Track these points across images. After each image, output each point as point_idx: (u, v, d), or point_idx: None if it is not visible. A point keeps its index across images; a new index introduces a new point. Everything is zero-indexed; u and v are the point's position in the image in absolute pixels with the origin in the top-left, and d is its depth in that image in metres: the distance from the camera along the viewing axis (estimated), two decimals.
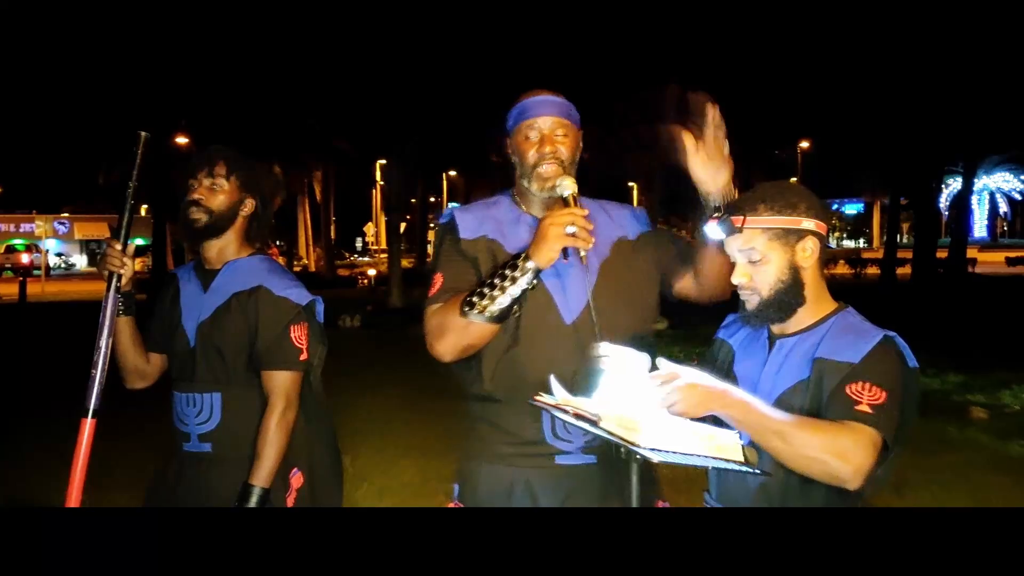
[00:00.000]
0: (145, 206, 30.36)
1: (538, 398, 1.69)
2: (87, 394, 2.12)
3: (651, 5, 20.68)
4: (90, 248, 51.21)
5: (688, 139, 1.85)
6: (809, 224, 1.73)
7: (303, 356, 2.28)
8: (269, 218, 2.44)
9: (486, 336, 1.97)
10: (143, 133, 2.23)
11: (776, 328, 1.79)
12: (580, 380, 1.90)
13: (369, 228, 54.60)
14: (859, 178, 48.03)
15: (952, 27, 20.10)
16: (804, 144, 39.85)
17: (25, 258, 40.32)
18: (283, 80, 19.96)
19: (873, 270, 29.78)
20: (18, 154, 31.32)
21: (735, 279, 1.77)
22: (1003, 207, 61.62)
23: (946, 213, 45.79)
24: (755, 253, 1.73)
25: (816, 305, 1.77)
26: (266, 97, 20.74)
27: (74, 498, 2.07)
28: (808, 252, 1.74)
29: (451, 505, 2.11)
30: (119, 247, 2.22)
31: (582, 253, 1.91)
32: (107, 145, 23.53)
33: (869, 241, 61.68)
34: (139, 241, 30.54)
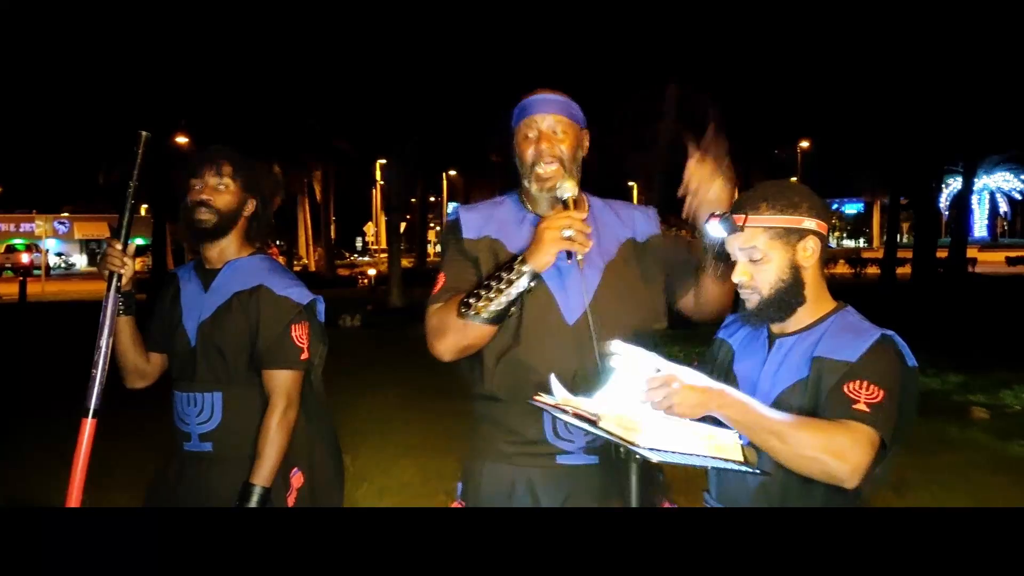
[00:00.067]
0: (145, 206, 30.35)
1: (538, 398, 1.69)
2: (87, 394, 2.12)
3: (651, 5, 20.67)
4: (90, 248, 51.21)
5: (691, 145, 1.87)
6: (810, 224, 1.73)
7: (304, 355, 2.29)
8: (269, 218, 2.44)
9: (484, 337, 1.97)
10: (144, 133, 2.23)
11: (776, 327, 1.79)
12: (581, 380, 1.90)
13: (369, 228, 54.61)
14: (859, 178, 48.03)
15: (952, 27, 20.09)
16: (804, 144, 39.85)
17: (25, 258, 40.30)
18: (283, 80, 19.96)
19: (873, 270, 29.78)
20: (18, 154, 31.31)
21: (735, 277, 1.77)
22: (1003, 207, 61.62)
23: (946, 213, 45.78)
24: (756, 252, 1.73)
25: (816, 304, 1.77)
26: (266, 97, 20.73)
27: (74, 498, 2.07)
28: (809, 252, 1.74)
29: (454, 503, 2.12)
30: (119, 247, 2.22)
31: (579, 257, 1.91)
32: (107, 145, 23.52)
33: (869, 241, 61.69)
34: (139, 241, 30.53)
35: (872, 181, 46.84)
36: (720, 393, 1.60)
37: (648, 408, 1.58)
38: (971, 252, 31.41)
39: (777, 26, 21.39)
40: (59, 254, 50.94)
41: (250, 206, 2.37)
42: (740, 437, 1.57)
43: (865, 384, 1.62)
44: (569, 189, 1.98)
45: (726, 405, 1.59)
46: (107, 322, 2.16)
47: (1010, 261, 35.65)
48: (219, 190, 2.31)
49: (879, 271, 27.80)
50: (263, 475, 2.19)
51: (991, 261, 35.94)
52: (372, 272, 26.80)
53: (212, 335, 2.27)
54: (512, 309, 1.95)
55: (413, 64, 17.33)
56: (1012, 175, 57.83)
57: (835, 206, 60.52)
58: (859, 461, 1.56)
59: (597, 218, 2.11)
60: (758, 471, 1.57)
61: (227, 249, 2.35)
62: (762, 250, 1.73)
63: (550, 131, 2.04)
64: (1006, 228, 66.17)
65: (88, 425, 2.11)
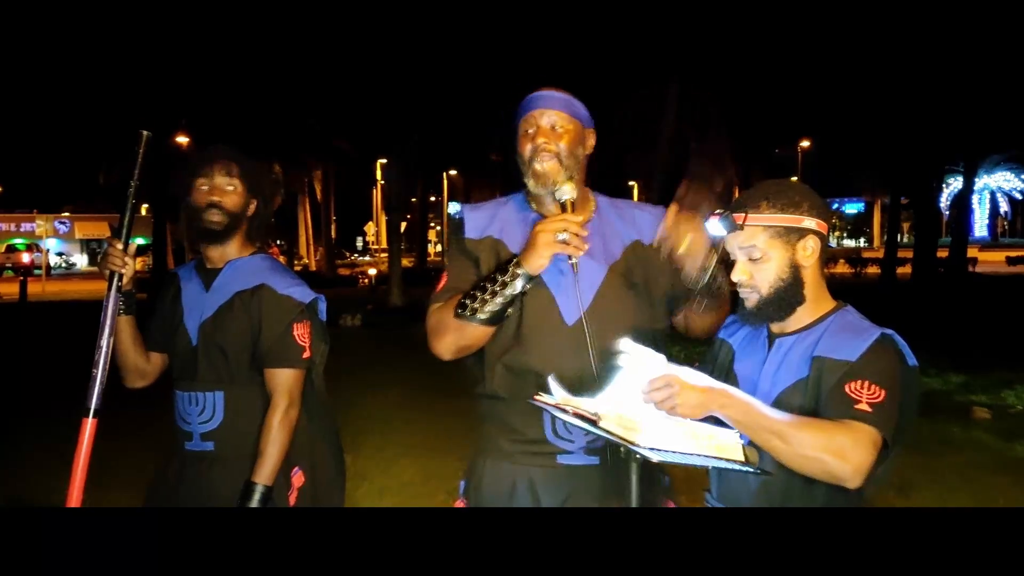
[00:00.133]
0: (146, 205, 30.36)
1: (538, 398, 1.69)
2: (88, 394, 2.12)
3: (652, 5, 20.67)
4: (91, 248, 51.21)
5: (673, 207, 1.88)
6: (810, 223, 1.73)
7: (306, 354, 2.29)
8: (268, 218, 2.44)
9: (481, 337, 1.98)
10: (145, 132, 2.23)
11: (775, 327, 1.79)
12: (581, 381, 1.90)
13: (370, 227, 54.64)
14: (859, 177, 48.03)
15: (952, 26, 20.09)
16: (804, 143, 39.83)
17: (26, 257, 40.28)
18: (283, 80, 19.96)
19: (873, 269, 29.78)
20: (18, 154, 31.33)
21: (735, 276, 1.77)
22: (1004, 206, 61.58)
23: (947, 212, 45.74)
24: (756, 251, 1.73)
25: (815, 304, 1.76)
26: (266, 97, 20.74)
27: (74, 498, 2.07)
28: (809, 251, 1.73)
29: (457, 502, 2.13)
30: (120, 246, 2.22)
31: (572, 260, 1.91)
32: (108, 145, 23.54)
33: (869, 240, 61.66)
34: (140, 240, 30.53)
35: (872, 181, 46.83)
36: (722, 393, 1.59)
37: (649, 408, 1.58)
38: (971, 252, 31.40)
39: (777, 26, 21.38)
40: (60, 254, 50.94)
41: (252, 206, 2.38)
42: (741, 437, 1.57)
43: (866, 384, 1.62)
44: (567, 192, 1.96)
45: (728, 405, 1.59)
46: (108, 322, 2.16)
47: (1010, 261, 35.62)
48: (227, 191, 2.31)
49: (879, 271, 27.79)
50: (265, 474, 2.19)
51: (991, 261, 35.92)
52: (372, 272, 26.79)
53: (214, 334, 2.27)
54: (509, 310, 1.95)
55: (413, 64, 17.32)
56: (1013, 175, 57.80)
57: (835, 206, 60.50)
58: (861, 461, 1.56)
59: (603, 218, 2.10)
60: (759, 471, 1.57)
61: (229, 249, 2.35)
62: (762, 249, 1.72)
63: (549, 127, 2.03)
64: (1006, 228, 66.13)
65: (88, 425, 2.10)
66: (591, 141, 2.10)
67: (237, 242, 2.36)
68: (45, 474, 4.72)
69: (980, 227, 59.75)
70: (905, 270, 25.58)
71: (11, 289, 23.48)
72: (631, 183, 36.11)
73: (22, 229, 49.16)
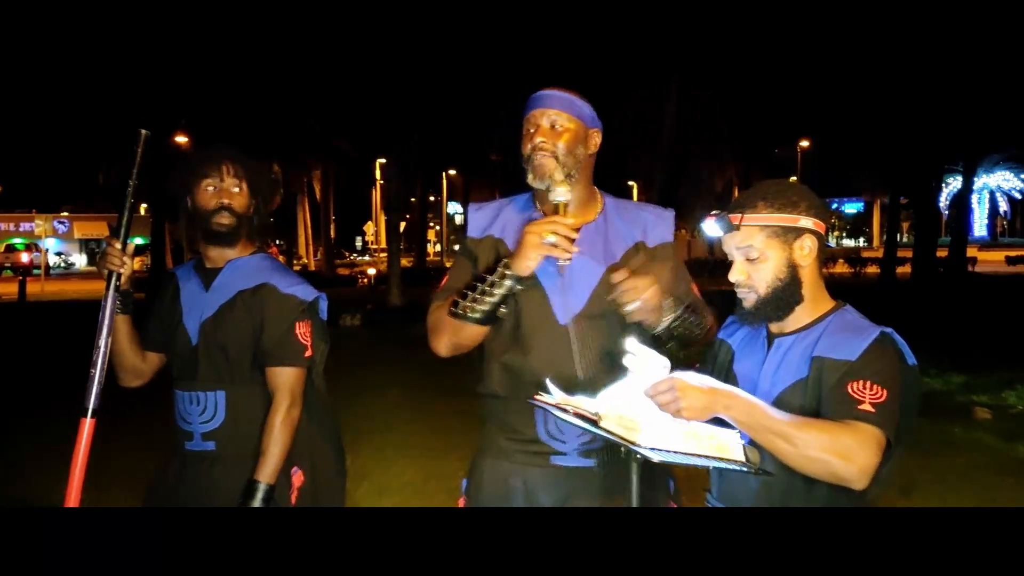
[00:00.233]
0: (144, 205, 30.36)
1: (539, 397, 1.69)
2: (86, 394, 2.11)
3: (652, 5, 20.68)
4: (90, 247, 51.21)
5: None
6: (807, 223, 1.73)
7: (308, 353, 2.29)
8: (267, 217, 2.44)
9: (476, 336, 2.00)
10: (144, 131, 2.22)
11: (774, 327, 1.79)
12: (575, 380, 1.92)
13: (369, 227, 54.62)
14: (859, 177, 48.03)
15: (952, 26, 20.09)
16: (804, 143, 39.86)
17: (25, 257, 40.25)
18: (283, 80, 19.96)
19: (873, 269, 29.80)
20: (18, 154, 31.33)
21: (732, 277, 1.77)
22: (1003, 206, 61.62)
23: (946, 212, 45.76)
24: (753, 251, 1.73)
25: (814, 304, 1.76)
26: (266, 97, 20.74)
27: (74, 498, 2.06)
28: (806, 251, 1.73)
29: (460, 499, 2.14)
30: (119, 245, 2.21)
31: (560, 263, 1.91)
32: (107, 144, 23.54)
33: (869, 240, 61.69)
34: (139, 240, 30.52)
35: (872, 180, 46.82)
36: (727, 395, 1.59)
37: (650, 408, 1.58)
38: (971, 251, 31.44)
39: (777, 26, 21.39)
40: (59, 253, 50.95)
41: (253, 206, 2.38)
42: (742, 436, 1.57)
43: (868, 384, 1.61)
44: (562, 194, 1.96)
45: (732, 407, 1.58)
46: (106, 321, 2.16)
47: (1010, 260, 35.65)
48: (234, 193, 2.31)
49: (879, 270, 27.81)
50: (267, 472, 2.19)
51: (991, 260, 35.95)
52: (372, 271, 26.78)
53: (215, 333, 2.27)
54: (502, 310, 1.97)
55: (413, 63, 17.33)
56: (1012, 174, 57.83)
57: (835, 206, 60.56)
58: (867, 462, 1.55)
59: (608, 219, 2.10)
60: (760, 471, 1.56)
61: (230, 249, 2.35)
62: (759, 249, 1.72)
63: (548, 127, 2.04)
64: (1006, 227, 66.17)
65: (87, 425, 2.10)
66: (595, 140, 2.10)
67: (239, 242, 2.36)
68: (44, 474, 4.71)
69: (980, 227, 59.79)
70: (905, 270, 25.60)
71: (10, 289, 23.48)
72: (631, 183, 36.13)
73: (21, 229, 49.16)
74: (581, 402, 1.61)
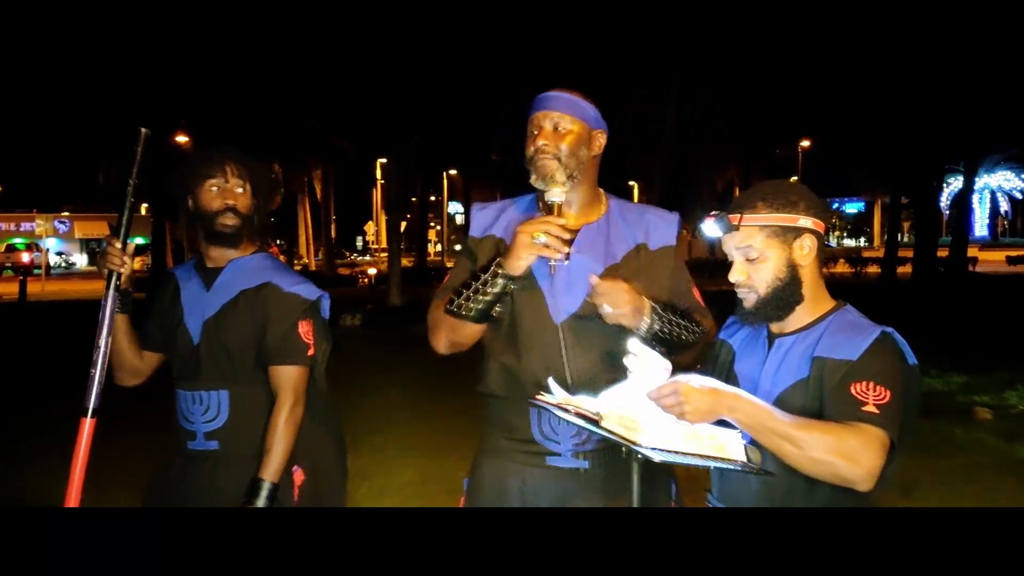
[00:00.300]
0: (145, 205, 30.36)
1: (539, 397, 1.69)
2: (86, 394, 2.11)
3: (653, 5, 20.68)
4: (90, 247, 51.21)
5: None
6: (807, 222, 1.73)
7: (311, 351, 2.30)
8: (267, 217, 2.45)
9: (473, 334, 2.02)
10: (143, 130, 2.22)
11: (775, 327, 1.79)
12: (569, 380, 1.92)
13: (369, 227, 54.64)
14: (859, 177, 48.01)
15: (952, 26, 20.09)
16: (804, 143, 39.84)
17: (25, 257, 40.26)
18: (283, 80, 19.97)
19: (874, 269, 29.79)
20: (18, 154, 31.34)
21: (732, 277, 1.77)
22: (1004, 206, 61.59)
23: (947, 212, 45.74)
24: (752, 251, 1.73)
25: (814, 303, 1.76)
26: (266, 97, 20.75)
27: (74, 498, 2.06)
28: (806, 250, 1.73)
29: (462, 498, 2.15)
30: (119, 245, 2.21)
31: (552, 263, 1.91)
32: (107, 144, 23.55)
33: (870, 240, 61.69)
34: (139, 240, 30.52)
35: (872, 180, 46.80)
36: (732, 397, 1.59)
37: (651, 408, 1.58)
38: (972, 251, 31.41)
39: (778, 26, 21.39)
40: (59, 253, 50.96)
41: (255, 207, 2.38)
42: (743, 436, 1.57)
43: (872, 385, 1.61)
44: (557, 194, 1.96)
45: (737, 409, 1.58)
46: (106, 321, 2.16)
47: (1011, 260, 35.61)
48: (238, 194, 2.31)
49: (880, 270, 27.81)
50: (272, 471, 2.20)
51: (992, 260, 35.91)
52: (372, 271, 26.79)
53: (218, 333, 2.27)
54: (497, 308, 1.98)
55: (413, 63, 17.33)
56: (1013, 174, 57.81)
57: (835, 206, 60.54)
58: (872, 464, 1.55)
59: (612, 221, 2.10)
60: (761, 471, 1.56)
61: (232, 249, 2.35)
62: (758, 249, 1.72)
63: (551, 129, 2.04)
64: (1007, 227, 66.15)
65: (87, 425, 2.10)
66: (599, 142, 2.09)
67: (243, 243, 2.37)
68: (44, 474, 4.70)
69: (980, 227, 59.75)
70: (905, 270, 25.60)
71: (11, 289, 23.48)
72: (632, 183, 36.13)
73: (22, 229, 49.17)
74: (582, 402, 1.62)
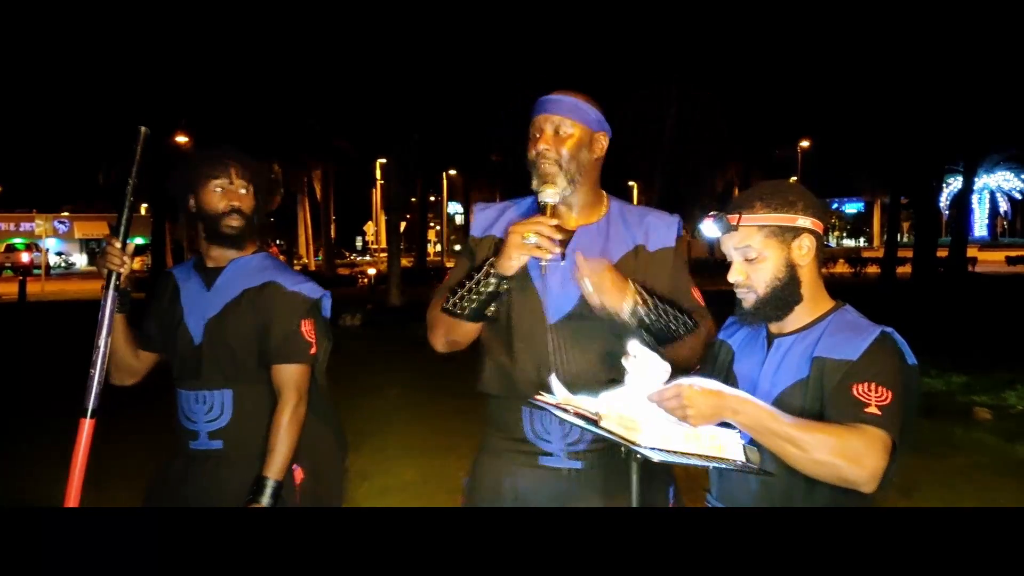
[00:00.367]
0: (145, 205, 30.38)
1: (539, 397, 1.69)
2: (86, 394, 2.11)
3: (653, 5, 20.68)
4: (90, 247, 51.20)
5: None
6: (805, 222, 1.73)
7: (313, 350, 2.30)
8: (267, 217, 2.45)
9: (469, 333, 2.03)
10: (143, 128, 2.22)
11: (774, 327, 1.79)
12: (564, 380, 1.92)
13: (369, 227, 54.65)
14: (859, 177, 48.04)
15: (952, 26, 20.10)
16: (804, 143, 39.85)
17: (25, 257, 40.25)
18: (283, 80, 19.96)
19: (873, 269, 29.81)
20: (18, 154, 31.34)
21: (731, 277, 1.76)
22: (1003, 206, 61.62)
23: (946, 212, 45.75)
24: (751, 251, 1.73)
25: (813, 303, 1.76)
26: (266, 97, 20.75)
27: (73, 498, 2.06)
28: (805, 250, 1.73)
29: (462, 497, 2.16)
30: (119, 245, 2.21)
31: (542, 263, 1.91)
32: (107, 144, 23.56)
33: (869, 240, 61.71)
34: (138, 240, 30.51)
35: (872, 181, 46.83)
36: (735, 399, 1.59)
37: (650, 408, 1.58)
38: (971, 251, 31.45)
39: (777, 26, 21.39)
40: (59, 253, 50.96)
41: (256, 207, 2.38)
42: (742, 436, 1.57)
43: (873, 386, 1.61)
44: (550, 195, 1.97)
45: (740, 411, 1.58)
46: (106, 321, 2.16)
47: (1010, 260, 35.65)
48: (242, 195, 2.32)
49: (879, 270, 27.82)
50: (276, 469, 2.20)
51: (991, 260, 35.95)
52: (372, 271, 26.79)
53: (221, 332, 2.27)
54: (492, 307, 1.99)
55: (413, 63, 17.33)
56: (1012, 174, 57.84)
57: (835, 206, 60.58)
58: (875, 465, 1.55)
59: (612, 222, 2.10)
60: (761, 471, 1.56)
61: (235, 249, 2.35)
62: (757, 249, 1.72)
63: (552, 132, 2.03)
64: (1006, 227, 66.17)
65: (86, 425, 2.10)
66: (601, 144, 2.09)
67: (246, 243, 2.37)
68: (44, 474, 4.70)
69: (980, 227, 59.78)
70: (905, 270, 25.62)
71: (10, 289, 23.47)
72: (631, 183, 36.13)
73: (21, 229, 49.17)
74: (582, 402, 1.62)
